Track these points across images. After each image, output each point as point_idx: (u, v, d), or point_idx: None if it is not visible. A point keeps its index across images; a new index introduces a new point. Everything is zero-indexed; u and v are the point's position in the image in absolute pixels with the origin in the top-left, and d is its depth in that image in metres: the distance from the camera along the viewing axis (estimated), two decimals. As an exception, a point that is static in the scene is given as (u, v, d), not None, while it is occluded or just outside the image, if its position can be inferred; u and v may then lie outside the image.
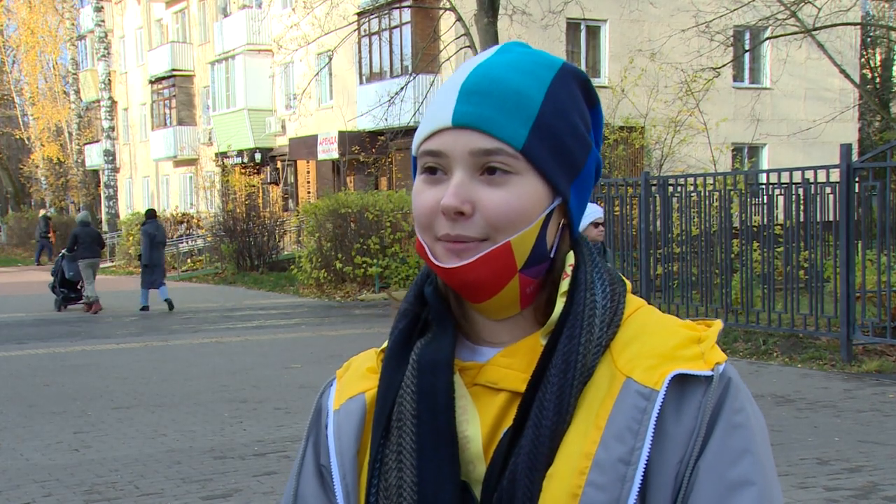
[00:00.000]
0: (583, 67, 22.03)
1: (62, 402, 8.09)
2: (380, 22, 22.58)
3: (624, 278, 1.02)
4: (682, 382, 0.91)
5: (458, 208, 0.91)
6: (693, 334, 0.95)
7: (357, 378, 1.05)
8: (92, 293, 15.95)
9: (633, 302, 0.99)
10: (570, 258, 0.98)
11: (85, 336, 12.87)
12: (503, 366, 0.96)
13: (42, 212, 36.77)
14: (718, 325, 0.97)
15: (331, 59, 19.60)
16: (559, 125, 0.94)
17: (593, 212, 5.72)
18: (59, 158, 41.15)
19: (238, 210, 23.14)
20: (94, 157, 38.35)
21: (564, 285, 0.96)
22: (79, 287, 16.19)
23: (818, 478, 5.38)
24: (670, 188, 11.65)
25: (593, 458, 0.88)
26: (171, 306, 15.89)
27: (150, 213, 16.88)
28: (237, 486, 5.47)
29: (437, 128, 0.94)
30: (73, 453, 6.35)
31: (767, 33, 18.16)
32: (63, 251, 16.37)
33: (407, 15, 21.68)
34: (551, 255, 0.96)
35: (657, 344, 0.93)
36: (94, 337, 12.75)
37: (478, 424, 0.95)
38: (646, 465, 0.88)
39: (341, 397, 1.04)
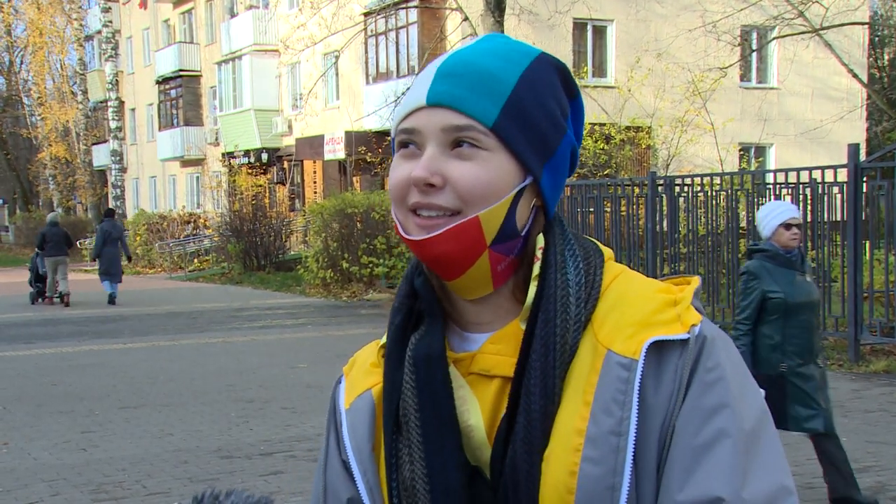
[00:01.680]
0: (589, 67, 22.03)
1: (70, 402, 8.12)
2: (386, 22, 22.59)
3: (602, 247, 1.02)
4: (661, 348, 0.93)
5: (428, 180, 0.94)
6: (669, 297, 0.96)
7: (362, 374, 1.08)
8: (64, 288, 17.23)
9: (612, 270, 1.00)
10: (540, 241, 0.99)
11: (92, 336, 12.91)
12: (493, 353, 0.98)
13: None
14: (696, 281, 0.99)
15: (337, 59, 19.62)
16: (532, 107, 0.97)
17: (783, 211, 4.67)
18: (66, 158, 41.28)
19: (245, 210, 23.18)
20: (101, 157, 38.47)
21: (536, 269, 0.98)
22: (55, 283, 17.43)
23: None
24: (677, 188, 11.63)
25: (586, 434, 0.91)
26: (111, 301, 17.08)
27: (108, 213, 18.62)
28: (244, 486, 5.46)
29: (413, 107, 0.97)
30: (80, 453, 6.37)
31: (775, 33, 18.12)
32: (37, 250, 17.75)
33: (413, 15, 21.69)
34: (522, 234, 0.98)
35: (634, 312, 0.94)
36: (101, 337, 12.79)
37: (479, 412, 0.97)
38: (636, 432, 0.90)
39: (350, 395, 1.07)
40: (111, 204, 34.69)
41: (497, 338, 0.99)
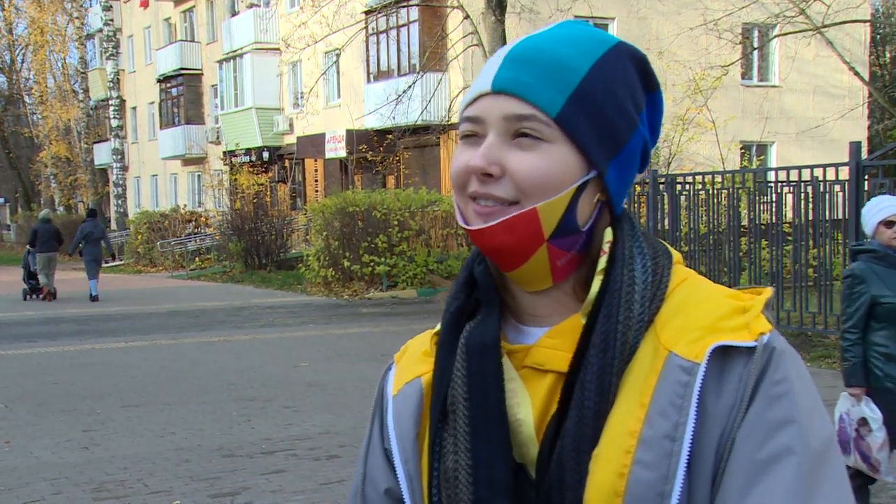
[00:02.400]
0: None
1: (71, 401, 8.13)
2: (387, 20, 22.58)
3: (672, 249, 1.00)
4: (725, 355, 0.89)
5: (485, 169, 0.92)
6: (738, 304, 0.92)
7: (413, 362, 1.06)
8: (49, 283, 17.83)
9: (680, 274, 0.97)
10: (608, 234, 0.96)
11: (94, 334, 12.92)
12: (549, 347, 0.96)
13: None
14: (768, 292, 0.94)
15: (338, 57, 19.62)
16: (602, 99, 0.93)
17: (884, 207, 4.18)
18: (67, 157, 41.31)
19: (246, 209, 23.19)
20: (102, 155, 38.50)
21: (601, 263, 0.95)
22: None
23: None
24: (678, 186, 11.62)
25: (639, 436, 0.87)
26: (94, 298, 17.56)
27: (91, 213, 19.02)
28: (245, 485, 5.48)
29: (478, 93, 0.95)
30: (82, 451, 6.37)
31: (776, 31, 18.11)
32: (28, 247, 18.28)
33: (414, 13, 21.68)
34: (585, 230, 0.95)
35: (701, 316, 0.91)
36: (103, 335, 12.80)
37: (529, 407, 0.95)
38: (691, 440, 0.87)
39: (399, 382, 1.05)
40: (112, 203, 34.74)
41: (555, 332, 0.96)
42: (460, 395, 0.95)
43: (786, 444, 0.86)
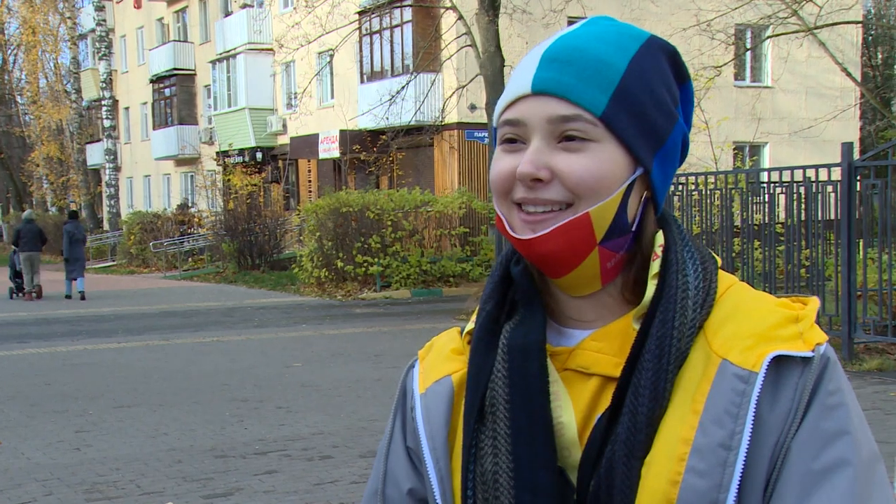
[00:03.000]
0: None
1: (63, 401, 8.10)
2: (381, 21, 22.58)
3: (714, 255, 0.98)
4: (778, 364, 0.88)
5: (535, 175, 0.90)
6: (790, 313, 0.91)
7: (441, 360, 1.03)
8: (36, 281, 18.41)
9: (725, 279, 0.96)
10: (660, 238, 0.95)
11: (86, 335, 12.88)
12: (594, 350, 0.94)
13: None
14: (816, 302, 0.94)
15: (332, 58, 19.60)
16: (642, 94, 0.92)
17: None
18: (59, 157, 41.18)
19: (239, 209, 23.16)
20: (95, 156, 38.39)
21: (655, 266, 0.93)
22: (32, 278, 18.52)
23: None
24: (671, 187, 11.63)
25: (692, 444, 0.86)
26: (83, 296, 18.04)
27: (72, 215, 19.99)
28: (238, 485, 5.47)
29: (517, 95, 0.93)
30: (74, 452, 6.35)
31: (769, 32, 18.16)
32: (13, 247, 18.90)
33: (408, 14, 21.68)
34: (633, 229, 0.94)
35: (753, 324, 0.90)
36: (95, 336, 12.76)
37: (571, 410, 0.93)
38: (747, 448, 0.86)
39: (427, 380, 1.03)
40: (105, 203, 34.68)
41: (600, 335, 0.94)
42: (501, 397, 0.93)
43: (841, 455, 0.86)
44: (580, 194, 0.90)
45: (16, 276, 18.70)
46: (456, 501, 0.97)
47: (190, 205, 28.70)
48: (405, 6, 21.25)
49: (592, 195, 0.90)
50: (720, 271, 0.97)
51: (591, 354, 0.94)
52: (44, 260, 20.61)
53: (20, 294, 18.68)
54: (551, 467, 0.91)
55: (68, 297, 18.41)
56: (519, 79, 0.94)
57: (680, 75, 0.98)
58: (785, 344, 0.88)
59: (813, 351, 0.88)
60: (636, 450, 0.87)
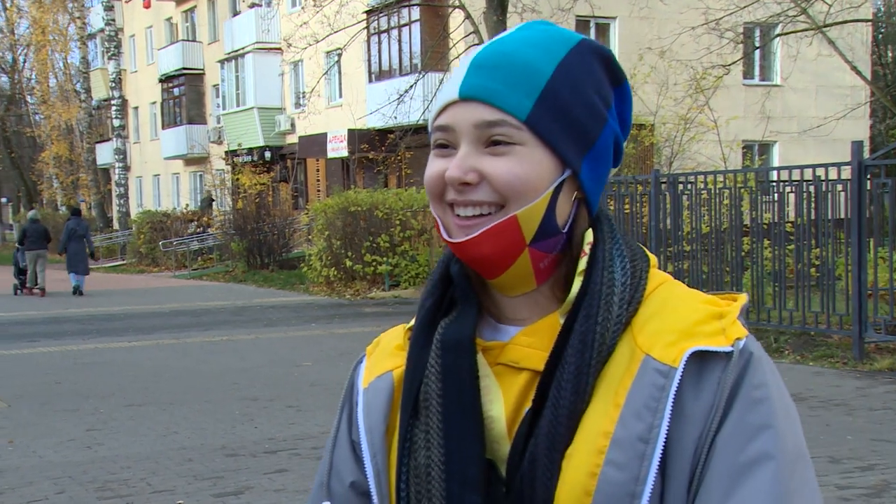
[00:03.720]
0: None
1: (75, 400, 8.14)
2: (389, 20, 22.58)
3: (648, 253, 1.00)
4: (702, 359, 0.90)
5: (462, 179, 0.93)
6: (715, 309, 0.93)
7: (385, 356, 1.06)
8: (40, 280, 18.90)
9: (657, 277, 0.98)
10: (589, 236, 0.97)
11: (97, 334, 12.93)
12: (524, 345, 0.96)
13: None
14: (743, 298, 0.96)
15: (340, 57, 19.62)
16: (569, 97, 0.94)
17: None
18: (69, 157, 41.32)
19: (248, 208, 23.20)
20: (104, 155, 38.52)
21: (582, 263, 0.95)
22: (35, 276, 19.02)
23: (830, 476, 5.36)
24: (680, 186, 11.62)
25: (612, 437, 0.88)
26: (80, 292, 18.68)
27: (75, 212, 20.48)
28: (248, 484, 5.49)
29: (446, 101, 0.95)
30: (85, 451, 6.38)
31: (778, 30, 18.09)
32: (17, 245, 19.77)
33: (416, 13, 21.68)
34: (564, 230, 0.96)
35: (677, 320, 0.92)
36: (105, 335, 12.81)
37: (501, 404, 0.95)
38: (665, 442, 0.88)
39: (370, 375, 1.05)
40: (114, 202, 34.77)
41: (531, 330, 0.97)
42: (434, 391, 0.95)
43: (765, 449, 0.87)
44: (507, 196, 0.92)
45: (20, 273, 19.34)
46: (391, 495, 0.98)
47: (213, 197, 28.80)
48: (413, 5, 21.25)
49: (519, 197, 0.92)
50: (653, 269, 0.98)
51: (521, 349, 0.96)
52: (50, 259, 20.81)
53: (23, 290, 19.31)
54: (481, 460, 0.92)
55: (76, 291, 18.90)
56: (449, 86, 0.96)
57: (614, 78, 0.99)
58: (706, 340, 0.90)
59: (732, 346, 0.90)
60: (557, 442, 0.89)
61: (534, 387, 0.93)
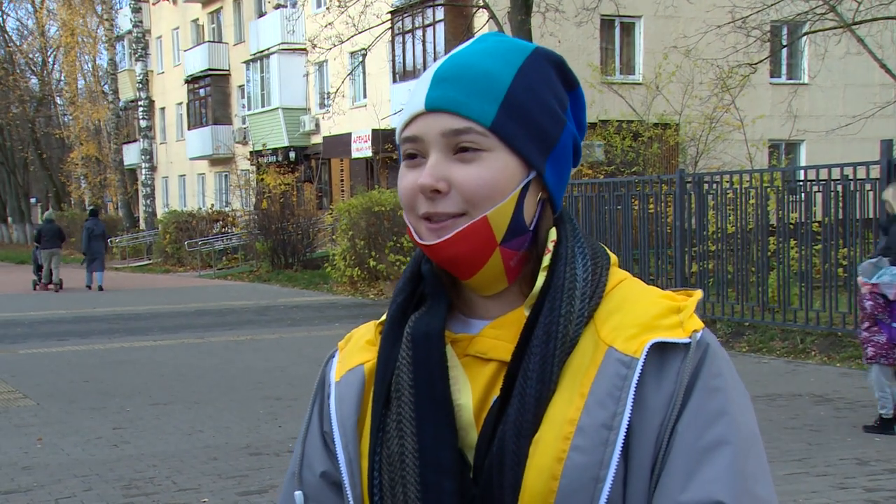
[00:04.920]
0: (617, 64, 21.88)
1: (101, 399, 8.22)
2: (413, 20, 22.61)
3: (609, 252, 1.06)
4: (662, 350, 0.95)
5: (434, 186, 0.97)
6: (673, 304, 0.99)
7: (357, 350, 1.10)
8: (56, 276, 20.25)
9: (617, 275, 1.03)
10: (553, 234, 1.02)
11: (123, 333, 13.06)
12: (492, 336, 1.01)
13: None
14: (698, 294, 1.01)
15: (364, 57, 19.67)
16: (529, 102, 0.98)
17: None
18: (97, 157, 41.75)
19: (273, 208, 23.32)
20: (131, 156, 38.88)
21: (546, 260, 1.00)
22: (51, 272, 20.34)
23: (858, 478, 5.30)
24: (706, 185, 11.54)
25: (577, 424, 0.93)
26: (100, 288, 20.01)
27: (93, 212, 21.95)
28: (273, 483, 5.52)
29: (413, 114, 1.00)
30: (112, 449, 6.45)
31: (806, 28, 17.91)
32: (34, 243, 21.00)
33: (440, 13, 21.69)
34: (531, 228, 1.00)
35: (638, 314, 0.97)
36: (132, 334, 12.94)
37: (469, 393, 0.99)
38: (627, 429, 0.92)
39: (342, 369, 1.09)
40: (140, 203, 35.12)
41: (498, 323, 1.01)
42: (406, 382, 0.99)
43: (722, 434, 0.93)
44: (474, 202, 0.97)
45: (38, 269, 20.58)
46: (363, 482, 1.02)
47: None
48: (437, 5, 21.26)
49: (487, 202, 0.97)
50: (614, 268, 1.04)
51: (489, 341, 1.01)
52: (66, 258, 22.40)
53: (41, 286, 20.56)
54: (453, 447, 0.97)
55: (89, 286, 20.33)
56: (414, 98, 1.01)
57: (568, 82, 1.04)
58: (666, 332, 0.95)
59: (690, 338, 0.95)
60: (524, 429, 0.93)
61: (501, 377, 0.98)
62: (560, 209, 1.04)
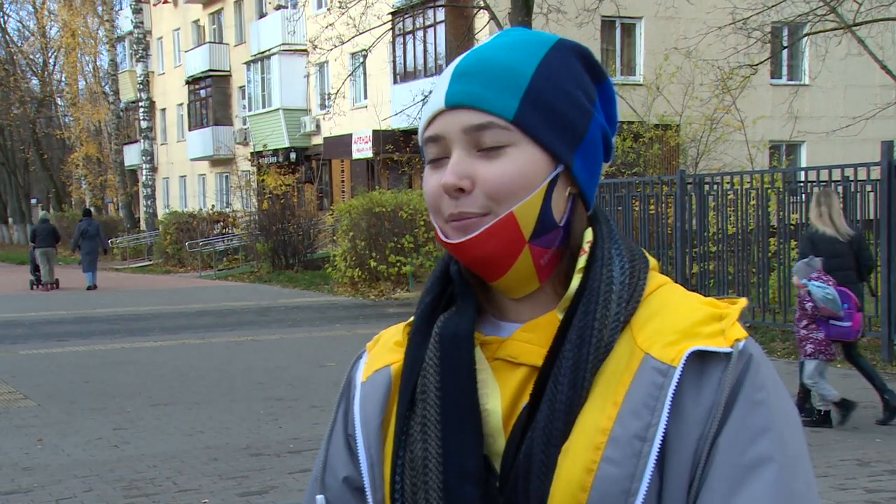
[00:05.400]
0: (618, 65, 21.88)
1: (102, 399, 8.22)
2: (414, 21, 22.62)
3: (648, 255, 1.01)
4: (702, 359, 0.90)
5: (457, 185, 0.93)
6: (715, 311, 0.94)
7: (385, 351, 1.07)
8: (52, 276, 20.57)
9: (656, 279, 0.99)
10: (589, 234, 0.98)
11: (124, 333, 13.06)
12: (523, 340, 0.97)
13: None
14: (743, 302, 0.96)
15: (365, 58, 19.68)
16: (553, 94, 0.95)
17: None
18: (98, 158, 41.77)
19: (273, 209, 23.32)
20: (132, 156, 38.91)
21: (582, 261, 0.96)
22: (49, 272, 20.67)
23: (859, 479, 5.30)
24: (706, 186, 11.54)
25: (609, 434, 0.88)
26: (94, 286, 20.36)
27: (86, 213, 22.49)
28: (273, 483, 5.51)
29: (434, 112, 0.97)
30: (112, 449, 6.45)
31: (806, 29, 17.92)
32: (31, 244, 21.21)
33: (441, 14, 21.70)
34: (562, 224, 0.97)
35: (677, 320, 0.93)
36: (132, 334, 12.94)
37: (498, 398, 0.95)
38: (662, 441, 0.88)
39: (369, 370, 1.06)
40: (141, 203, 35.13)
41: (531, 326, 0.97)
42: (432, 384, 0.96)
43: (767, 451, 0.88)
44: (499, 199, 0.93)
45: (35, 269, 20.84)
46: (385, 487, 0.98)
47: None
48: (438, 6, 21.26)
49: (512, 197, 0.93)
50: (653, 272, 0.99)
51: (520, 345, 0.96)
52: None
53: (38, 286, 20.70)
54: (478, 453, 0.93)
55: (93, 287, 20.48)
56: (435, 96, 0.97)
57: (596, 75, 1.00)
58: (706, 340, 0.90)
59: (732, 347, 0.90)
60: (554, 437, 0.89)
61: (531, 382, 0.94)
62: (593, 205, 1.00)
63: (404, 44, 23.25)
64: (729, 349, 0.90)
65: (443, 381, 0.95)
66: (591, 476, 0.88)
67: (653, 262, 1.00)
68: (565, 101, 0.96)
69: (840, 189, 9.82)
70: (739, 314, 0.94)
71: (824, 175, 10.15)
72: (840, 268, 6.87)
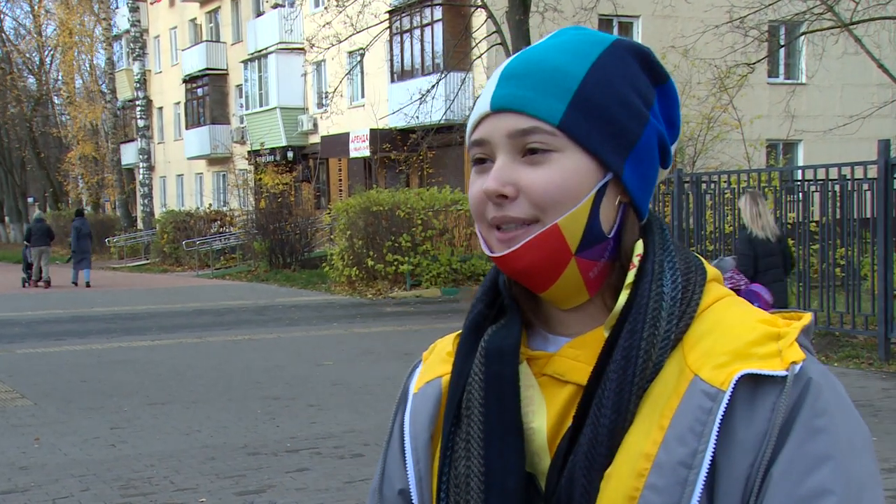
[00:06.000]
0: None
1: (99, 398, 8.22)
2: (411, 20, 22.61)
3: (708, 266, 0.95)
4: (755, 382, 0.85)
5: (500, 191, 0.90)
6: (772, 330, 0.88)
7: (438, 361, 1.04)
8: (46, 274, 21.28)
9: (714, 292, 0.93)
10: (639, 247, 0.92)
11: (121, 333, 13.05)
12: (571, 357, 0.93)
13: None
14: (806, 318, 0.90)
15: (362, 57, 19.67)
16: (604, 98, 0.90)
17: None
18: (94, 157, 41.72)
19: (271, 208, 23.31)
20: (129, 155, 38.88)
21: (630, 276, 0.91)
22: (40, 270, 21.37)
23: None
24: (703, 185, 11.55)
25: (654, 460, 0.84)
26: (87, 285, 20.86)
27: (79, 212, 22.95)
28: (270, 482, 5.51)
29: (480, 115, 0.93)
30: (109, 448, 6.44)
31: (803, 28, 17.93)
32: (25, 242, 21.89)
33: (438, 13, 21.69)
34: (611, 236, 0.92)
35: (731, 340, 0.87)
36: (129, 333, 12.92)
37: (544, 416, 0.92)
38: (710, 468, 0.83)
39: (421, 380, 1.04)
40: (138, 202, 35.10)
41: (579, 343, 0.93)
42: (476, 400, 0.93)
43: (824, 482, 0.82)
44: (544, 207, 0.89)
45: (27, 267, 21.50)
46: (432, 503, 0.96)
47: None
48: (435, 5, 21.25)
49: (558, 206, 0.89)
50: (711, 283, 0.93)
51: (567, 361, 0.93)
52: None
53: (30, 283, 21.34)
54: (520, 472, 0.90)
55: (74, 283, 21.25)
56: (482, 100, 0.94)
57: (655, 76, 0.95)
58: (759, 363, 0.85)
59: (787, 370, 0.84)
60: (596, 462, 0.86)
61: (577, 401, 0.90)
62: (646, 215, 0.94)
63: (401, 42, 23.24)
64: (784, 373, 0.84)
65: (486, 397, 0.92)
66: (633, 503, 0.84)
67: (712, 272, 0.94)
68: (617, 105, 0.91)
69: (837, 188, 9.84)
70: (801, 332, 0.88)
71: (821, 174, 10.17)
72: (773, 266, 7.30)
